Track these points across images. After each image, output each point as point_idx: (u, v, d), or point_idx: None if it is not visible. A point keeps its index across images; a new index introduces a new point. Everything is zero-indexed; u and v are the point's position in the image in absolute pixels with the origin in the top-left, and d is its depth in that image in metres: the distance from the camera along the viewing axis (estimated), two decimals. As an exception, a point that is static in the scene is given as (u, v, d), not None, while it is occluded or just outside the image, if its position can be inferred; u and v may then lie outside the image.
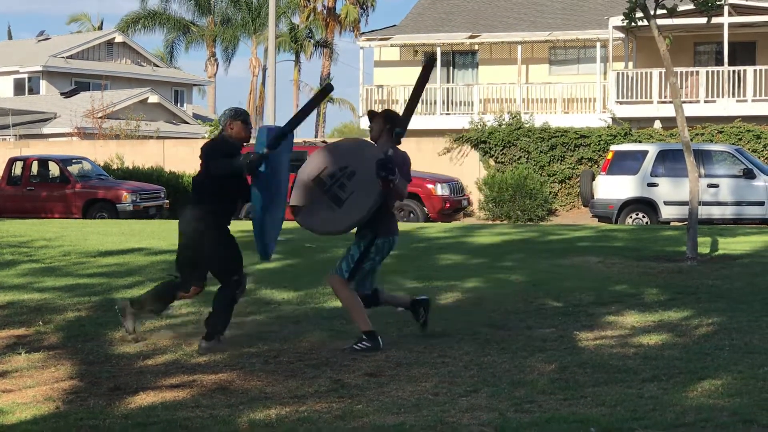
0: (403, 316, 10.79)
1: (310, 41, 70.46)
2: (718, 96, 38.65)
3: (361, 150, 9.72)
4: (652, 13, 16.01)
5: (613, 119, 37.52)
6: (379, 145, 9.63)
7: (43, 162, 31.35)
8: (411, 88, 40.37)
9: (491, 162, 35.06)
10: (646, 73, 39.52)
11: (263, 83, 70.62)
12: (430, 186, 27.76)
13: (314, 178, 9.56)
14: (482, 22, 45.44)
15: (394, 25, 47.53)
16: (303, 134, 71.89)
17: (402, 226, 23.72)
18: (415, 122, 42.10)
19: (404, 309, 10.17)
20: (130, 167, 36.52)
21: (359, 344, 9.40)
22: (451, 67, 45.85)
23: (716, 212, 25.32)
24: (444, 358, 8.95)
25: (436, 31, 45.12)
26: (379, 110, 10.03)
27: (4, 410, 7.44)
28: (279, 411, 7.25)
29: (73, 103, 54.40)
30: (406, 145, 32.37)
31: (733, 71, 38.78)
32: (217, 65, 73.38)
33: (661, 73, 38.57)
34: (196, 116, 64.19)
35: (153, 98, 57.61)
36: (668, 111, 34.74)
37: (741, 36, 40.45)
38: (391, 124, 9.76)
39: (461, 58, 46.08)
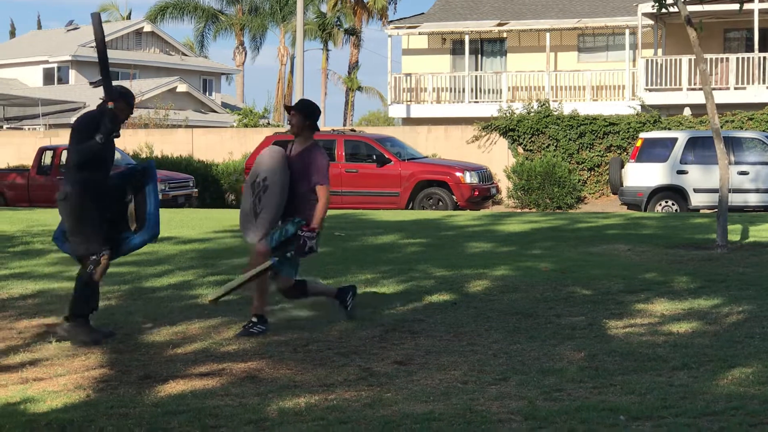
0: (432, 306, 10.81)
1: (338, 29, 70.46)
2: (748, 83, 38.42)
3: (271, 156, 9.88)
4: (681, -1, 15.92)
5: (642, 106, 37.36)
6: (299, 140, 9.85)
7: (73, 151, 31.40)
8: (440, 76, 40.14)
9: (520, 150, 34.99)
10: (675, 60, 39.32)
11: (291, 72, 70.74)
12: (458, 174, 27.71)
13: (250, 184, 9.87)
14: (510, 10, 45.31)
15: (422, 13, 47.45)
16: (331, 123, 71.90)
17: (430, 214, 23.79)
18: (444, 110, 42.18)
19: (331, 298, 10.25)
20: (159, 156, 36.60)
21: (253, 326, 9.65)
22: (480, 55, 45.75)
23: (746, 199, 25.19)
24: (473, 347, 8.95)
25: (464, 19, 45.02)
26: (294, 103, 10.18)
27: (36, 398, 7.48)
28: (308, 399, 7.26)
29: (102, 93, 54.55)
30: (435, 132, 32.54)
31: (764, 57, 38.52)
32: (246, 54, 73.47)
33: (690, 59, 38.38)
34: (224, 105, 64.34)
35: (181, 87, 57.77)
36: (698, 98, 34.58)
37: (771, 22, 40.21)
38: (310, 119, 9.86)
39: (489, 46, 45.98)
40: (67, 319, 9.64)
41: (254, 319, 9.75)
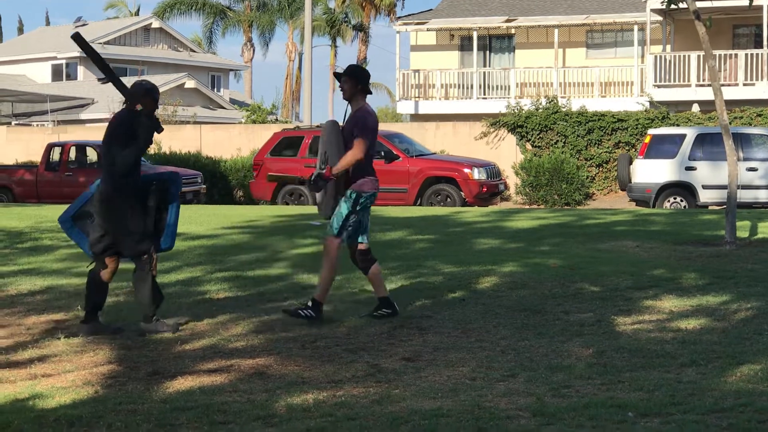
0: (440, 302, 10.81)
1: (346, 26, 70.45)
2: (757, 79, 38.35)
3: (325, 130, 10.12)
4: (690, -5, 15.89)
5: (651, 103, 37.31)
6: (352, 105, 9.99)
7: (81, 147, 31.49)
8: (448, 73, 40.13)
9: (528, 146, 34.97)
10: (684, 56, 39.26)
11: (299, 68, 70.75)
12: (466, 170, 27.70)
13: (318, 166, 10.04)
14: (519, 6, 45.28)
15: (430, 9, 47.43)
16: (340, 119, 71.82)
17: (439, 210, 23.77)
18: (452, 106, 42.15)
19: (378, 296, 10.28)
20: (167, 152, 36.63)
21: (305, 310, 9.83)
22: (488, 51, 45.73)
23: (755, 196, 25.16)
24: (481, 343, 8.94)
25: (472, 15, 44.99)
26: (343, 69, 10.24)
27: (44, 394, 7.50)
28: (316, 395, 7.27)
29: (111, 89, 54.37)
30: (443, 129, 32.42)
31: (772, 54, 38.48)
32: (254, 50, 73.49)
33: (699, 56, 38.32)
34: (232, 101, 64.37)
35: (190, 83, 57.80)
36: (706, 94, 34.53)
37: (780, 18, 40.11)
38: (362, 83, 9.97)
39: (498, 42, 45.95)
40: (145, 320, 9.74)
41: (310, 303, 9.94)
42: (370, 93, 10.18)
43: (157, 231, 9.87)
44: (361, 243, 10.09)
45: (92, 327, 9.75)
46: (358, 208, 9.90)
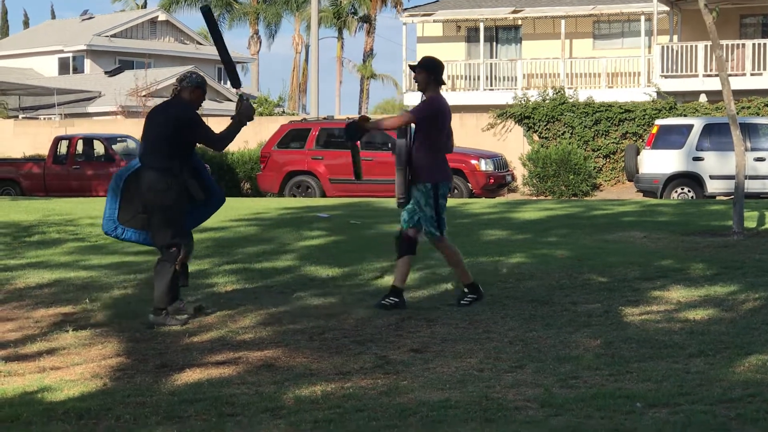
0: (448, 294, 10.81)
1: (353, 17, 70.41)
2: (764, 69, 38.27)
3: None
4: (697, -15, 15.86)
5: (658, 93, 37.26)
6: (426, 95, 10.14)
7: (88, 141, 31.51)
8: (455, 64, 40.05)
9: (535, 137, 34.94)
10: (691, 46, 39.19)
11: (306, 60, 70.77)
12: (473, 162, 27.69)
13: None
14: (525, -3, 45.24)
15: (437, 1, 47.37)
16: (346, 111, 71.86)
17: (447, 202, 23.68)
18: (459, 98, 42.10)
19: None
20: (175, 145, 36.59)
21: (466, 298, 10.12)
22: (495, 43, 45.68)
23: (763, 185, 25.12)
24: (489, 334, 8.95)
25: (478, 6, 44.93)
26: (417, 62, 10.40)
27: (53, 387, 7.51)
28: (324, 387, 7.27)
29: (117, 82, 54.66)
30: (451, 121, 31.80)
31: (780, 43, 38.41)
32: (260, 43, 73.46)
33: (706, 46, 38.23)
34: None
35: (197, 76, 57.75)
36: (714, 84, 34.47)
37: (788, 8, 40.06)
38: (434, 74, 10.14)
39: (504, 33, 45.90)
40: (155, 312, 9.78)
41: (466, 290, 10.19)
42: (444, 83, 10.37)
43: (207, 192, 9.96)
44: (414, 227, 10.14)
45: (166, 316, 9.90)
46: (440, 199, 10.08)
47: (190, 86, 9.87)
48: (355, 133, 10.14)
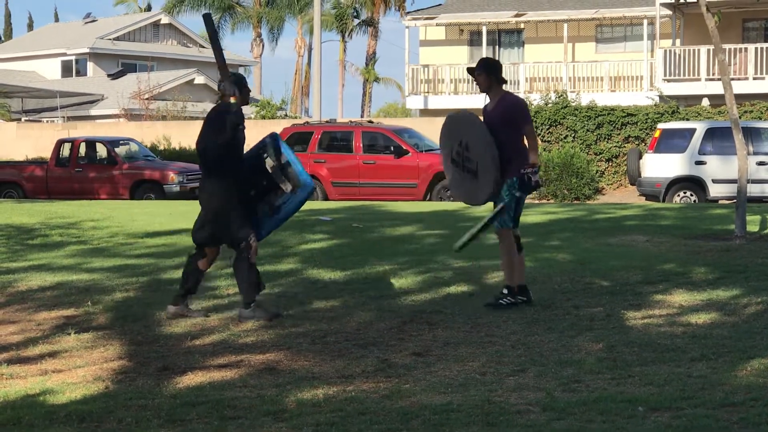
0: (450, 297, 10.80)
1: (353, 21, 70.43)
2: (767, 73, 38.27)
3: (461, 119, 10.54)
4: (699, -11, 15.85)
5: (661, 97, 37.25)
6: (491, 95, 10.36)
7: (91, 143, 31.51)
8: (457, 68, 40.10)
9: (538, 141, 34.89)
10: (693, 50, 39.19)
11: (309, 63, 70.77)
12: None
13: (450, 159, 10.46)
14: (528, 1, 45.23)
15: (440, 4, 47.42)
16: (349, 114, 71.91)
17: (448, 205, 23.75)
18: (461, 101, 42.13)
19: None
20: (177, 148, 36.69)
21: (505, 298, 10.14)
22: (497, 46, 45.69)
23: (765, 190, 25.11)
24: (491, 338, 8.94)
25: (481, 10, 44.96)
26: (475, 64, 10.59)
27: (55, 390, 7.51)
28: (326, 391, 7.27)
29: (120, 85, 54.70)
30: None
31: (783, 48, 38.41)
32: (263, 46, 73.48)
33: (708, 50, 38.24)
34: (242, 97, 64.29)
35: (199, 79, 57.81)
36: (716, 88, 34.46)
37: (790, 12, 40.04)
38: (494, 74, 10.34)
39: (507, 37, 45.92)
40: (247, 306, 9.87)
41: (505, 291, 10.20)
42: (505, 82, 10.51)
43: (293, 182, 10.03)
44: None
45: (179, 311, 10.07)
46: (521, 193, 10.18)
47: (231, 93, 10.00)
48: (532, 185, 10.19)
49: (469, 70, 10.56)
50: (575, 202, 31.35)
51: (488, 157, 10.03)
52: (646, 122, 33.68)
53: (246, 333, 9.39)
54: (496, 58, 10.62)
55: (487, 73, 10.30)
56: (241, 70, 71.78)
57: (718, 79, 30.72)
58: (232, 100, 9.93)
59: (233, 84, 9.98)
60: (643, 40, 41.54)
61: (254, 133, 39.69)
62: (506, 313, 9.95)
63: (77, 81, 59.15)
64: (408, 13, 50.13)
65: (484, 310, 10.08)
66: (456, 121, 10.54)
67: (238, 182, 9.87)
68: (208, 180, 9.92)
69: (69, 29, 67.70)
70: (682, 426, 6.23)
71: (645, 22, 41.48)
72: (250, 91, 10.32)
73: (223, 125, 9.79)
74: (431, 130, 34.69)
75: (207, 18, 10.30)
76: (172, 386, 7.58)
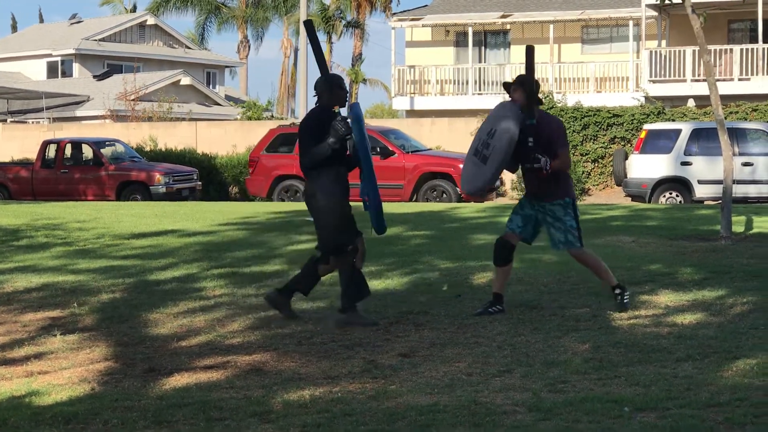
0: (436, 298, 10.81)
1: (340, 22, 70.41)
2: (752, 74, 38.34)
3: (498, 109, 10.14)
4: (685, -10, 15.89)
5: (646, 98, 37.31)
6: (527, 112, 9.90)
7: (77, 145, 31.45)
8: (443, 69, 40.01)
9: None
10: (679, 51, 39.26)
11: (295, 64, 70.74)
12: (462, 166, 27.69)
13: (474, 152, 10.14)
14: (514, 1, 45.27)
15: (426, 5, 47.43)
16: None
17: (435, 206, 23.78)
18: (448, 102, 42.18)
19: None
20: (163, 149, 36.62)
21: (622, 298, 10.00)
22: (483, 47, 45.71)
23: (751, 191, 25.16)
24: (477, 339, 8.95)
25: (467, 11, 44.99)
26: (511, 80, 10.30)
27: (40, 391, 7.49)
28: (313, 392, 7.27)
29: (106, 86, 54.57)
30: (439, 125, 32.25)
31: (768, 48, 38.51)
32: (249, 47, 73.43)
33: (694, 51, 38.31)
34: (228, 98, 64.27)
35: (185, 80, 57.71)
36: (702, 89, 34.51)
37: (775, 13, 40.09)
38: (529, 92, 9.94)
39: (493, 38, 45.94)
40: (342, 311, 9.78)
41: (617, 291, 10.07)
42: (542, 102, 10.20)
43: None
44: (517, 235, 10.14)
45: (281, 302, 10.01)
46: (578, 212, 10.07)
47: (325, 88, 9.87)
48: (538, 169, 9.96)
49: (505, 86, 10.26)
50: (561, 202, 31.31)
51: (504, 149, 9.76)
52: (632, 123, 33.73)
53: (232, 334, 9.38)
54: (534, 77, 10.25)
55: (523, 89, 9.95)
56: (227, 71, 71.76)
57: (704, 80, 30.79)
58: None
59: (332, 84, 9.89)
60: (629, 41, 41.61)
61: (240, 134, 39.71)
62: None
63: (63, 82, 58.99)
64: (394, 14, 50.14)
65: (470, 311, 10.09)
66: (500, 109, 10.13)
67: (337, 183, 9.90)
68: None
69: (54, 30, 67.49)
70: (668, 426, 6.24)
71: (631, 23, 41.55)
72: (344, 92, 10.00)
73: (325, 130, 9.77)
74: (418, 131, 34.76)
75: (308, 25, 10.25)
76: (159, 387, 7.57)
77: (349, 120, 9.78)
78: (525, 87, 9.93)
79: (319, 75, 10.10)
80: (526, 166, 9.85)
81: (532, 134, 9.80)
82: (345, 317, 9.69)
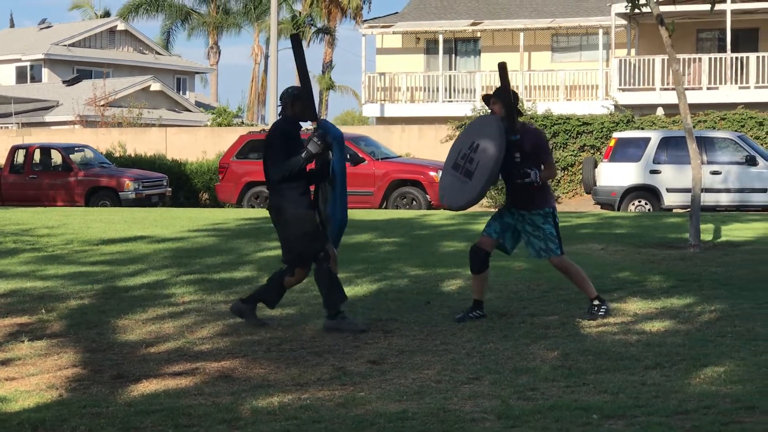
0: (406, 305, 10.81)
1: (309, 28, 70.40)
2: (720, 83, 38.58)
3: (481, 122, 10.25)
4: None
5: (616, 106, 37.48)
6: (509, 125, 9.88)
7: (46, 150, 31.35)
8: (414, 76, 40.01)
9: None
10: (648, 60, 39.46)
11: (265, 71, 70.64)
12: (432, 173, 27.70)
13: (452, 165, 10.16)
14: (484, 9, 45.38)
15: (396, 13, 47.47)
16: (305, 123, 71.69)
17: (404, 213, 23.80)
18: (418, 109, 42.24)
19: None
20: (133, 155, 36.54)
21: (599, 310, 10.01)
22: (454, 55, 45.79)
23: (719, 199, 25.27)
24: (446, 346, 8.95)
25: (438, 18, 45.07)
26: (490, 92, 10.29)
27: (8, 398, 7.45)
28: (282, 398, 7.26)
29: (76, 92, 54.39)
30: (409, 132, 32.31)
31: (736, 58, 38.73)
32: (219, 53, 73.33)
33: (663, 60, 38.51)
34: (198, 104, 64.20)
35: (155, 86, 57.58)
36: (671, 98, 34.69)
37: (743, 23, 40.32)
38: (507, 107, 9.93)
39: (463, 46, 46.03)
40: (331, 317, 9.75)
41: (596, 302, 10.08)
42: (522, 114, 10.25)
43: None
44: (494, 240, 10.13)
45: (245, 310, 9.99)
46: (557, 220, 10.09)
47: (289, 100, 9.82)
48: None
49: (485, 98, 10.23)
50: (531, 210, 31.38)
51: (490, 167, 9.77)
52: (602, 131, 33.86)
53: (201, 341, 9.36)
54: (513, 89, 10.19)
55: (503, 102, 9.94)
56: (197, 78, 71.62)
57: (673, 89, 30.89)
58: None
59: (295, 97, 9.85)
60: (599, 49, 41.78)
61: (210, 140, 39.63)
62: (470, 323, 9.96)
63: (32, 87, 58.76)
64: (365, 21, 50.19)
65: (439, 318, 10.10)
66: (483, 123, 10.21)
67: (303, 195, 9.84)
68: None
69: (24, 35, 67.23)
70: (635, 433, 6.27)
71: (600, 31, 41.72)
72: (307, 106, 9.89)
73: (295, 144, 9.78)
74: (388, 138, 34.80)
75: (295, 39, 10.13)
76: (127, 394, 7.55)
77: (326, 138, 9.75)
78: (503, 101, 9.94)
79: (288, 84, 10.08)
80: (517, 181, 9.86)
81: (517, 149, 9.82)
82: (334, 322, 9.70)
